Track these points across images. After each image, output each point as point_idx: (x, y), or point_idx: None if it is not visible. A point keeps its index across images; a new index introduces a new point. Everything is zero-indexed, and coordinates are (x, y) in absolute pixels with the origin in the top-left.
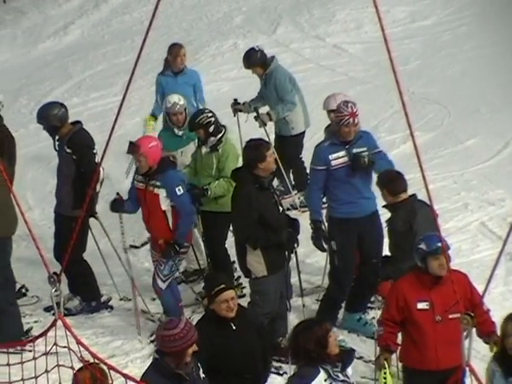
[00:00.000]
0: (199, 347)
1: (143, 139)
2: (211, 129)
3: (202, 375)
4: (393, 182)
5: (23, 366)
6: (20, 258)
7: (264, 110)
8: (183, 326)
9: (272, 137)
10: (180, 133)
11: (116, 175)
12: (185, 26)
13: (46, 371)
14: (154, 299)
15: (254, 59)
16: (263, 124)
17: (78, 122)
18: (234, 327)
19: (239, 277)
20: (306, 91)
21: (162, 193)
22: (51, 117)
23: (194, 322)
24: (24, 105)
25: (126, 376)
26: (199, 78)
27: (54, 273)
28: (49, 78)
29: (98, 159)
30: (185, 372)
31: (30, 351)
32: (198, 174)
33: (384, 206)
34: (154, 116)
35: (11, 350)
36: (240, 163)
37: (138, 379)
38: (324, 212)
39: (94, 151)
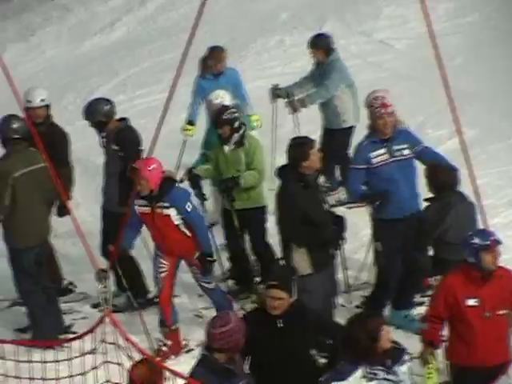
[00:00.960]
0: (246, 340)
1: (143, 162)
2: (236, 124)
3: (247, 370)
4: (438, 174)
5: (71, 362)
6: (67, 255)
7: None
8: (235, 319)
9: (305, 129)
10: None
11: None
12: (230, 22)
13: (94, 368)
14: (200, 295)
15: (322, 43)
16: (294, 110)
17: (124, 119)
18: (280, 325)
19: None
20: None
21: (172, 212)
22: (98, 113)
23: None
24: (70, 102)
25: (174, 372)
26: (238, 75)
27: (102, 269)
28: (95, 74)
29: (144, 156)
30: (233, 366)
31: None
32: (225, 172)
33: (425, 199)
34: (191, 123)
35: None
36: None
37: (186, 375)
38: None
39: (141, 148)
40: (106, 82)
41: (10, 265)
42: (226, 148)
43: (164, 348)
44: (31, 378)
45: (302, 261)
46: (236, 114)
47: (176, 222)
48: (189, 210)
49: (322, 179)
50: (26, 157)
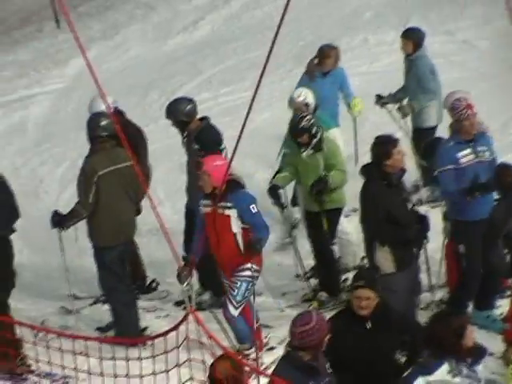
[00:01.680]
0: (330, 341)
1: (209, 157)
2: (313, 131)
3: (329, 369)
4: (506, 175)
5: (154, 359)
6: (151, 253)
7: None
8: (316, 319)
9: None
10: None
11: (247, 170)
12: (314, 21)
13: (178, 365)
14: (284, 294)
15: (414, 35)
16: (404, 115)
17: (205, 118)
18: (368, 326)
19: None
20: None
21: (233, 214)
22: (179, 112)
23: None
24: (154, 100)
25: (256, 370)
26: (344, 74)
27: (185, 267)
28: (179, 72)
29: (227, 154)
30: (317, 364)
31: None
32: (304, 178)
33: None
34: None
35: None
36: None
37: (269, 373)
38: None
39: (222, 147)
40: (190, 80)
41: (95, 262)
42: (304, 153)
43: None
44: (115, 376)
45: (385, 259)
46: (313, 121)
47: (234, 230)
48: (253, 211)
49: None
50: (112, 155)
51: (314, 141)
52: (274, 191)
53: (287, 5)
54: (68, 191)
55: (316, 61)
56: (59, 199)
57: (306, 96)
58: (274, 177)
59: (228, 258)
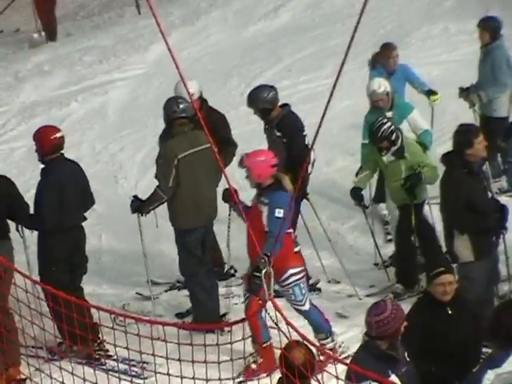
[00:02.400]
0: (411, 330)
1: (252, 152)
2: (393, 137)
3: (407, 358)
4: None
5: (232, 346)
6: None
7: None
8: (391, 308)
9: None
10: (389, 114)
11: (326, 157)
12: (395, 9)
13: (255, 352)
14: (372, 286)
15: (491, 24)
16: (472, 105)
17: (286, 105)
18: (449, 312)
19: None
20: None
21: (265, 210)
22: (261, 100)
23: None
24: (234, 86)
25: (334, 358)
26: (408, 69)
27: (266, 254)
28: (259, 60)
29: (308, 141)
30: (395, 353)
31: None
32: (386, 178)
33: None
34: None
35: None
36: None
37: (347, 361)
38: None
39: (304, 134)
40: (270, 67)
41: (176, 246)
42: (385, 158)
43: (253, 365)
44: (193, 361)
45: (464, 248)
46: (392, 127)
47: (266, 229)
48: (277, 215)
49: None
50: (190, 138)
51: (394, 148)
52: (355, 193)
53: None
54: (147, 177)
55: (382, 59)
56: (138, 185)
57: (386, 85)
58: (356, 174)
59: (255, 255)
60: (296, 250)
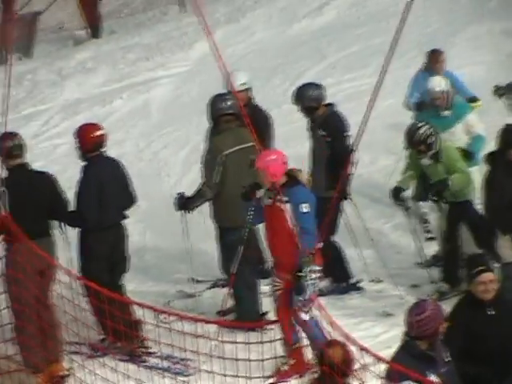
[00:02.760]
0: (452, 330)
1: (263, 153)
2: (429, 141)
3: (448, 358)
4: None
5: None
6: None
7: None
8: (431, 308)
9: None
10: (446, 113)
11: (369, 156)
12: (441, 8)
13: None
14: (414, 285)
15: None
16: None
17: (330, 104)
18: (491, 312)
19: None
20: None
21: (287, 208)
22: (307, 97)
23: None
24: (278, 84)
25: (377, 357)
26: (453, 75)
27: (311, 253)
28: (303, 57)
29: (349, 142)
30: (434, 354)
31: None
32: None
33: None
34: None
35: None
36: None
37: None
38: None
39: (348, 133)
40: (314, 65)
41: (218, 244)
42: (423, 161)
43: (285, 367)
44: (236, 359)
45: (507, 248)
46: (428, 131)
47: (289, 225)
48: (303, 210)
49: None
50: (237, 134)
51: (430, 153)
52: (397, 193)
53: None
54: (190, 175)
55: (429, 64)
56: (181, 182)
57: (444, 84)
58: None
59: (283, 255)
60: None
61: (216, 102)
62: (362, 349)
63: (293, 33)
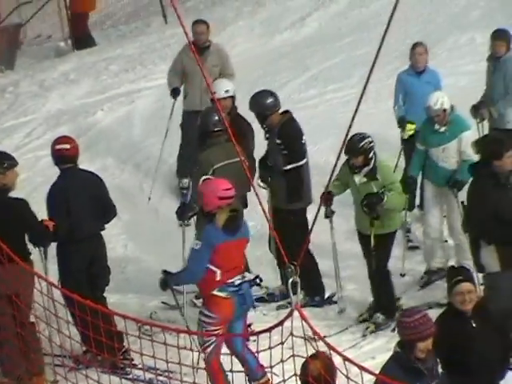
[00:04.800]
0: (439, 341)
1: (210, 180)
2: (370, 155)
3: (440, 370)
4: None
5: (258, 355)
6: (251, 249)
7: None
8: (417, 318)
9: None
10: (442, 129)
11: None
12: (422, 19)
13: (282, 361)
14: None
15: (507, 36)
16: (481, 119)
17: (287, 112)
18: (473, 324)
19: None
20: None
21: None
22: (260, 105)
23: None
24: None
25: (361, 368)
26: (439, 79)
27: (292, 263)
28: (285, 69)
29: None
30: (424, 367)
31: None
32: (356, 201)
33: None
34: (404, 121)
35: None
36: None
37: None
38: None
39: (303, 141)
40: (297, 76)
41: None
42: (357, 179)
43: None
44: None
45: (490, 258)
46: (372, 144)
47: None
48: (193, 246)
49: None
50: (227, 148)
51: (367, 169)
52: (329, 197)
53: (397, 2)
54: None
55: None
56: (164, 195)
57: (443, 101)
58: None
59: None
60: (215, 292)
61: (209, 116)
62: (346, 359)
63: (275, 44)
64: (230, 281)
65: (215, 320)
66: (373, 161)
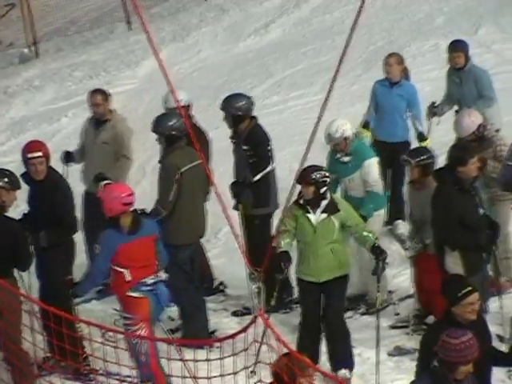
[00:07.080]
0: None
1: (111, 185)
2: (323, 190)
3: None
4: None
5: (223, 362)
6: (219, 255)
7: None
8: (464, 340)
9: None
10: (346, 159)
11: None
12: (386, 25)
13: (246, 368)
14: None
15: (465, 47)
16: (433, 115)
17: (254, 117)
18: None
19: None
20: (509, 93)
21: None
22: (234, 107)
23: None
24: None
25: (324, 373)
26: (415, 92)
27: (256, 269)
28: (249, 75)
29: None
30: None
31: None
32: (310, 245)
33: None
34: (366, 127)
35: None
36: None
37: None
38: None
39: (268, 147)
40: (260, 83)
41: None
42: (313, 218)
43: None
44: (183, 377)
45: (455, 264)
46: (327, 179)
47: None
48: (95, 250)
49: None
50: (189, 152)
51: (324, 203)
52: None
53: (360, 9)
54: (137, 190)
55: (385, 68)
56: None
57: (344, 129)
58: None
59: None
60: (129, 293)
61: (168, 120)
62: (310, 365)
63: (239, 51)
64: (143, 280)
65: (135, 320)
66: (328, 194)
